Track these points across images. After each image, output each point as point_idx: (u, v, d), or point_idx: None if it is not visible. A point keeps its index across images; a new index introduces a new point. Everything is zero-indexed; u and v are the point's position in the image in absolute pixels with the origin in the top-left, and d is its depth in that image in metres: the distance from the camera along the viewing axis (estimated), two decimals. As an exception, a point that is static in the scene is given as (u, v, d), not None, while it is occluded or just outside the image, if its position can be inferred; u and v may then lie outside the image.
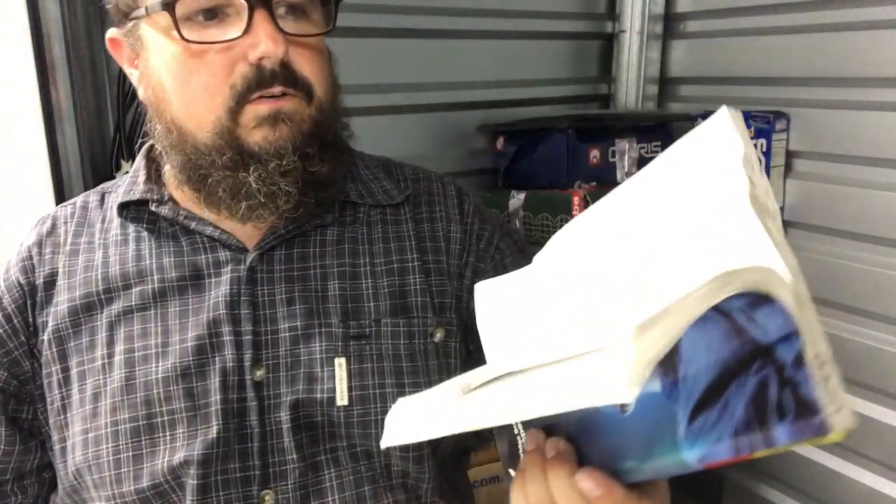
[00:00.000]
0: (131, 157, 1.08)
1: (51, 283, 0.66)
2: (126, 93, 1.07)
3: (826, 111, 1.32)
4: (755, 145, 1.37)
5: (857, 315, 1.32)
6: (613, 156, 1.42)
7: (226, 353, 0.62)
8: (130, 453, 0.60)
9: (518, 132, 1.44)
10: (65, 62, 0.97)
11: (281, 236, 0.66)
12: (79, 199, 0.73)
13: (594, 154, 1.39)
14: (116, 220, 0.68)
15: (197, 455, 0.60)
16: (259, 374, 0.62)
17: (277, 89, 0.59)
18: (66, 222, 0.70)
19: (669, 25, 1.59)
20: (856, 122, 1.28)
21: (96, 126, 1.08)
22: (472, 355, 0.72)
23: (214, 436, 0.60)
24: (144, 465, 0.60)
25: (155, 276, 0.64)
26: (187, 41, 0.57)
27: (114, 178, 1.06)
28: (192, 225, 0.66)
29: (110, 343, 0.63)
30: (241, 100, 0.59)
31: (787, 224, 1.42)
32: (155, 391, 0.61)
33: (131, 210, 0.68)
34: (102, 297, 0.64)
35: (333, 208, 0.68)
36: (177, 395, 0.61)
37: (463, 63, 1.43)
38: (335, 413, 0.63)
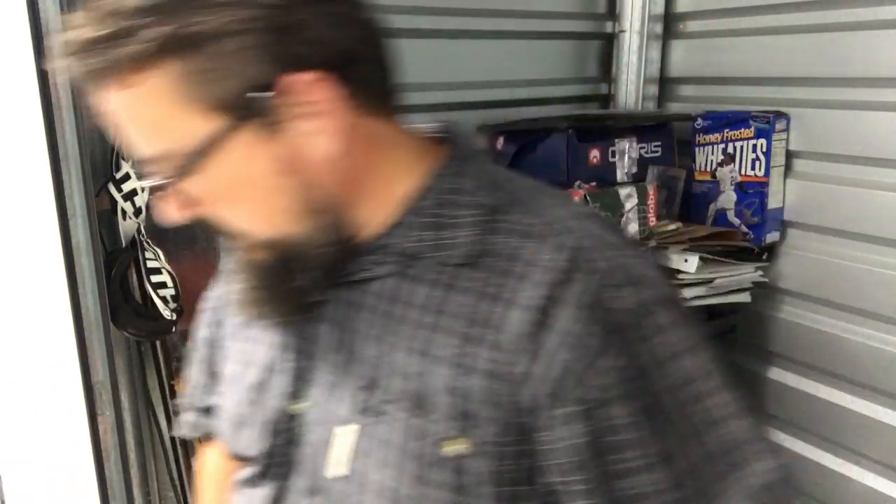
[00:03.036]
0: (131, 157, 1.08)
1: None
2: (126, 93, 1.07)
3: (826, 111, 1.32)
4: (755, 145, 1.37)
5: (857, 315, 1.32)
6: (613, 156, 1.42)
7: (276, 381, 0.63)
8: None
9: (518, 132, 1.44)
10: (65, 62, 0.97)
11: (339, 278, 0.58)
12: None
13: (594, 154, 1.39)
14: None
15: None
16: (302, 405, 0.60)
17: None
18: None
19: (669, 25, 1.59)
20: (856, 122, 1.28)
21: (96, 127, 1.08)
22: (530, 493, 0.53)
23: (264, 450, 0.62)
24: None
25: None
26: None
27: (114, 178, 1.06)
28: None
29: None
30: None
31: (787, 224, 1.42)
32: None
33: None
34: None
35: (388, 259, 0.56)
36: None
37: (463, 63, 1.43)
38: (331, 478, 0.57)
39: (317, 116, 0.50)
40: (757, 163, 1.38)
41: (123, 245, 1.09)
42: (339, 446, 0.56)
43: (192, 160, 0.50)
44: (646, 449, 0.50)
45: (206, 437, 0.77)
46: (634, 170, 1.45)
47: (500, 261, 0.53)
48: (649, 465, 0.50)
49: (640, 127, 1.45)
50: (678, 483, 0.50)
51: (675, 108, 1.61)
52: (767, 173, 1.37)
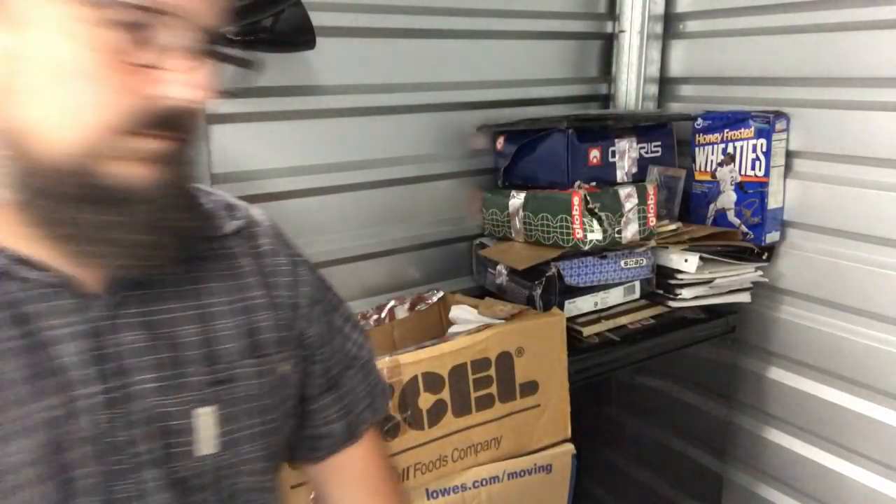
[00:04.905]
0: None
1: None
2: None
3: (826, 111, 1.32)
4: (755, 145, 1.37)
5: (857, 315, 1.33)
6: (613, 156, 1.42)
7: (80, 420, 0.53)
8: None
9: (518, 132, 1.44)
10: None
11: (132, 278, 0.56)
12: None
13: (594, 154, 1.39)
14: None
15: None
16: (122, 435, 0.54)
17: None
18: None
19: (669, 25, 1.60)
20: (856, 122, 1.28)
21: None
22: (308, 379, 0.69)
23: None
24: None
25: None
26: None
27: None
28: (22, 271, 0.52)
29: None
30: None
31: (787, 224, 1.42)
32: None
33: None
34: None
35: None
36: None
37: (463, 63, 1.43)
38: (203, 463, 0.58)
39: None
40: (757, 163, 1.38)
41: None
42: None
43: None
44: (351, 318, 0.74)
45: None
46: (634, 170, 1.45)
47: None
48: (354, 327, 0.74)
49: (640, 127, 1.46)
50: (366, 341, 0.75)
51: (675, 108, 1.61)
52: (767, 173, 1.37)
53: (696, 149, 1.48)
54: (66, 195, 0.48)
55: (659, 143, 1.48)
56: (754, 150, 1.38)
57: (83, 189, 0.48)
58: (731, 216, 1.44)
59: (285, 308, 0.66)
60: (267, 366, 0.63)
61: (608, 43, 1.64)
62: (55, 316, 0.52)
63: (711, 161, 1.46)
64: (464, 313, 1.26)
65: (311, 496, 0.97)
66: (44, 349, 0.52)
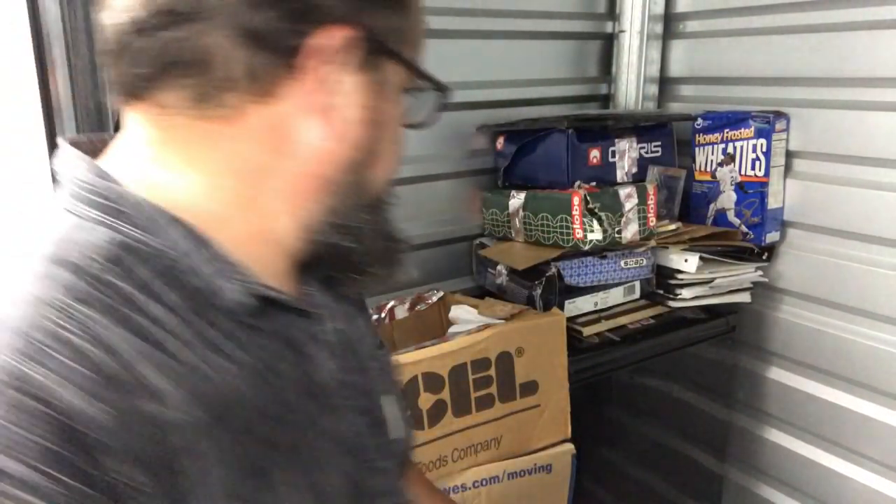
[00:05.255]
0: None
1: None
2: (126, 93, 1.07)
3: (826, 111, 1.32)
4: (755, 145, 1.38)
5: (857, 315, 1.33)
6: (613, 156, 1.42)
7: (350, 432, 0.57)
8: None
9: (518, 132, 1.44)
10: (65, 62, 0.97)
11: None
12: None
13: (594, 154, 1.39)
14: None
15: None
16: (364, 436, 0.60)
17: None
18: None
19: (669, 25, 1.60)
20: (856, 122, 1.28)
21: (96, 126, 1.08)
22: None
23: None
24: None
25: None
26: None
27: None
28: (281, 300, 0.53)
29: None
30: None
31: (787, 224, 1.42)
32: None
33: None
34: None
35: None
36: None
37: (463, 63, 1.43)
38: (399, 446, 0.64)
39: None
40: (757, 163, 1.38)
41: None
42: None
43: None
44: None
45: None
46: (634, 170, 1.45)
47: None
48: None
49: (640, 127, 1.46)
50: None
51: (675, 108, 1.61)
52: (767, 173, 1.37)
53: (696, 149, 1.49)
54: (378, 232, 0.57)
55: (659, 143, 1.48)
56: (754, 150, 1.38)
57: (386, 223, 0.59)
58: (731, 216, 1.44)
59: (367, 306, 0.72)
60: (390, 356, 0.70)
61: (608, 43, 1.64)
62: (309, 339, 0.56)
63: (711, 161, 1.46)
64: (464, 313, 1.26)
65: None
66: (314, 371, 0.55)
